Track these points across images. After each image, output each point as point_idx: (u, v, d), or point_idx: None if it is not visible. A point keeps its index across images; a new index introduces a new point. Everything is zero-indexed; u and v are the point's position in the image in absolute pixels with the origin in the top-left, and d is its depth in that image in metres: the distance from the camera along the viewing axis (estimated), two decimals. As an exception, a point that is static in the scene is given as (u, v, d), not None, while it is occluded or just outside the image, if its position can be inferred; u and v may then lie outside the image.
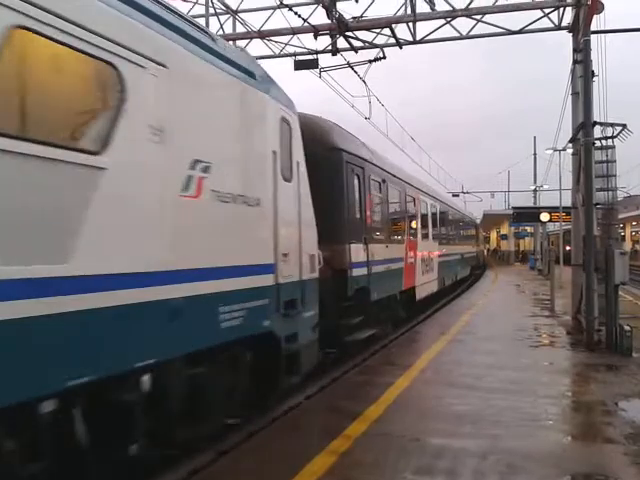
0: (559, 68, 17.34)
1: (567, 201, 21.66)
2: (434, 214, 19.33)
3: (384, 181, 12.41)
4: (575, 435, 6.13)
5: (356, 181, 10.45)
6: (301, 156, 7.25)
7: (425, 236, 17.15)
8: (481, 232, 50.46)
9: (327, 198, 8.78)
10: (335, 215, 9.44)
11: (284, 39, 14.28)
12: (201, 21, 14.59)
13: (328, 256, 8.47)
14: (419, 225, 16.34)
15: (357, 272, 9.99)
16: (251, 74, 6.22)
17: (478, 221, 48.34)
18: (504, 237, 65.86)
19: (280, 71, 15.23)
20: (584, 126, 10.83)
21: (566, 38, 12.93)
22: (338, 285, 9.34)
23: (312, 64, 13.28)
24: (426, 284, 16.84)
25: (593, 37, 11.00)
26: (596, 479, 4.91)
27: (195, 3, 14.74)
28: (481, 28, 13.78)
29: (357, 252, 10.06)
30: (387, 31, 13.57)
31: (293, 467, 4.95)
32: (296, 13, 11.41)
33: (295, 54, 14.02)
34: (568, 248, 29.02)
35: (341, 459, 5.18)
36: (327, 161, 9.46)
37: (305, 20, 12.10)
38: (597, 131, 10.89)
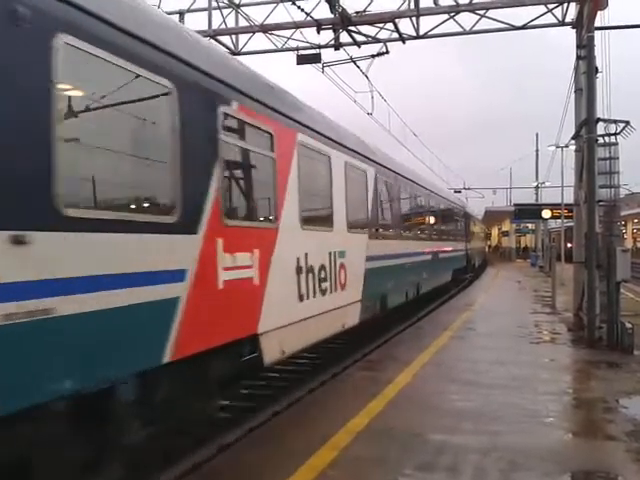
0: (561, 64, 17.28)
1: (569, 198, 21.85)
2: (364, 188, 11.12)
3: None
4: (576, 432, 6.12)
5: None
6: None
7: (320, 221, 8.88)
8: (475, 223, 37.73)
9: None
10: None
11: (287, 33, 14.28)
12: (204, 15, 14.60)
13: None
14: (293, 198, 7.65)
15: None
16: None
17: (478, 213, 45.30)
18: (506, 234, 65.96)
19: (282, 66, 15.31)
20: (587, 123, 10.79)
21: (570, 37, 12.91)
22: None
23: (315, 59, 13.25)
24: (309, 320, 7.93)
25: (597, 33, 10.99)
26: (597, 476, 4.91)
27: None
28: (484, 23, 13.76)
29: None
30: (390, 26, 13.55)
31: (294, 461, 4.95)
32: (299, 7, 11.39)
33: (298, 48, 13.98)
34: (570, 245, 29.27)
35: (342, 454, 5.18)
36: None
37: (308, 14, 12.07)
38: (600, 128, 10.87)
